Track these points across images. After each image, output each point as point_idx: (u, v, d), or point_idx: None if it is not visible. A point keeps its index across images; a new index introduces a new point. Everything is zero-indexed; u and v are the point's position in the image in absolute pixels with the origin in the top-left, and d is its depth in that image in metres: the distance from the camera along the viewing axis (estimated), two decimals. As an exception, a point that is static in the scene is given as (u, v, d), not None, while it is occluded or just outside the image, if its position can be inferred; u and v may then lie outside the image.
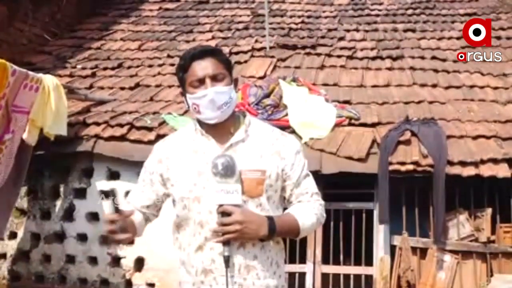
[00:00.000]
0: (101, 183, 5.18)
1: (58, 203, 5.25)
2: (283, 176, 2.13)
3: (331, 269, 5.13)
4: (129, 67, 6.73)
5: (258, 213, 2.04)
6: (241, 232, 1.98)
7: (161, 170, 2.16)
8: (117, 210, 2.01)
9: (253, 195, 2.04)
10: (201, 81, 2.07)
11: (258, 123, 2.24)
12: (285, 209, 2.20)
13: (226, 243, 1.99)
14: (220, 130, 2.12)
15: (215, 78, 2.08)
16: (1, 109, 3.93)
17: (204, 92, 2.06)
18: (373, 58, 6.74)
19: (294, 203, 2.17)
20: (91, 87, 6.19)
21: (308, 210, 2.15)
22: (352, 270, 5.15)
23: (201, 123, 2.15)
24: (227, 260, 1.99)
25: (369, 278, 5.09)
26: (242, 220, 1.97)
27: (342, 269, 5.11)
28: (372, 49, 6.98)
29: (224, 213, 1.98)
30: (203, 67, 2.08)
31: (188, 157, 2.12)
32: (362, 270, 5.12)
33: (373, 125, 5.28)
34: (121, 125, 5.17)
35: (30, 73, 4.38)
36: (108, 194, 1.84)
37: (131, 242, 5.06)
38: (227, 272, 2.00)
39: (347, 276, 5.07)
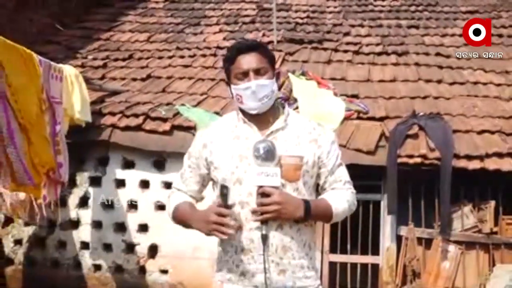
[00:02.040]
0: (116, 172, 5.33)
1: (74, 191, 5.37)
2: (319, 164, 2.27)
3: (338, 258, 5.29)
4: (139, 59, 6.84)
5: (295, 196, 2.18)
6: (279, 212, 2.11)
7: (205, 154, 2.30)
8: (226, 204, 2.11)
9: (291, 179, 2.18)
10: (245, 74, 2.21)
11: (295, 114, 2.39)
12: (318, 195, 2.34)
13: (264, 222, 2.13)
14: (261, 119, 2.26)
15: (258, 72, 2.21)
16: (46, 101, 4.03)
17: (247, 85, 2.20)
18: (379, 54, 6.89)
19: (328, 190, 2.31)
20: (103, 77, 6.30)
21: (341, 197, 2.28)
22: (359, 259, 5.31)
23: (243, 112, 2.29)
24: (265, 238, 2.13)
25: (375, 267, 5.26)
26: (280, 201, 2.11)
27: (349, 258, 5.27)
28: (377, 44, 7.14)
29: (264, 194, 2.11)
30: (248, 61, 2.21)
31: (231, 143, 2.26)
32: (368, 259, 5.29)
33: (381, 119, 5.43)
34: (137, 116, 5.30)
35: (52, 63, 4.48)
36: (223, 188, 1.99)
37: (145, 229, 5.26)
38: (265, 250, 2.13)
39: (354, 265, 5.24)
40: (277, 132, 2.25)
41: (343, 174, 2.33)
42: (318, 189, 2.35)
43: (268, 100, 2.23)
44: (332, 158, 2.29)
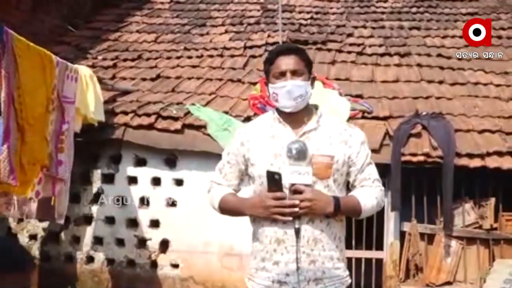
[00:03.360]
0: (128, 169, 5.49)
1: (87, 187, 5.54)
2: (349, 163, 2.44)
3: (343, 253, 5.45)
4: (148, 59, 6.99)
5: (325, 193, 2.36)
6: (310, 208, 2.30)
7: (243, 152, 2.50)
8: (280, 189, 2.30)
9: (322, 177, 2.37)
10: (283, 74, 2.41)
11: (328, 116, 2.56)
12: (349, 192, 2.52)
13: (297, 217, 2.31)
14: (295, 119, 2.45)
15: (295, 73, 2.41)
16: (55, 101, 4.18)
17: (283, 84, 2.40)
18: (382, 55, 7.05)
19: (358, 187, 2.48)
20: (113, 77, 6.45)
21: (370, 194, 2.45)
22: (364, 254, 5.47)
23: (279, 112, 2.49)
24: (297, 232, 2.32)
25: (379, 261, 5.43)
26: (312, 198, 2.30)
27: (354, 253, 5.40)
28: (380, 45, 7.30)
29: (296, 191, 2.30)
30: (286, 62, 2.41)
31: (267, 141, 2.45)
32: (373, 254, 5.45)
33: (385, 118, 5.60)
34: (148, 115, 5.46)
35: (69, 64, 4.64)
36: (274, 175, 2.21)
37: (156, 225, 5.42)
38: (298, 242, 2.32)
39: (358, 260, 5.39)
40: (310, 133, 2.44)
41: (372, 172, 2.50)
42: (348, 186, 2.53)
43: (302, 100, 2.42)
44: (361, 158, 2.46)
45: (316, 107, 2.53)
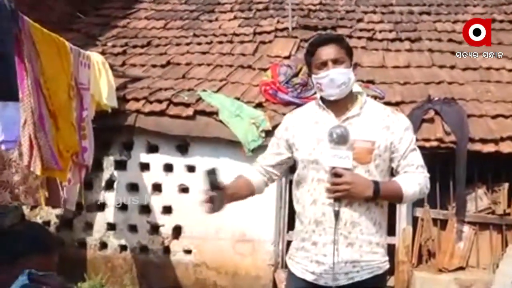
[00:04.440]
0: (141, 156, 5.50)
1: (100, 174, 5.55)
2: (391, 149, 2.45)
3: (356, 238, 5.46)
4: (157, 46, 6.97)
5: (366, 177, 2.38)
6: (349, 191, 2.33)
7: (287, 136, 2.57)
8: (213, 185, 2.36)
9: (362, 162, 2.40)
10: (324, 64, 2.44)
11: (372, 102, 2.60)
12: (393, 176, 2.53)
13: (336, 199, 2.35)
14: (339, 106, 2.49)
15: (336, 61, 2.44)
16: (74, 87, 4.18)
17: (326, 73, 2.43)
18: (392, 40, 7.01)
19: (401, 173, 2.49)
20: (123, 64, 6.44)
21: (413, 180, 2.45)
22: (376, 239, 5.48)
23: (323, 99, 2.53)
24: (336, 214, 2.36)
25: (391, 247, 5.42)
26: (351, 181, 2.33)
27: (366, 239, 5.46)
28: (390, 31, 7.25)
29: (336, 175, 2.34)
30: (327, 52, 2.44)
31: (310, 127, 2.50)
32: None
33: (397, 104, 5.57)
34: (160, 101, 5.45)
35: (81, 50, 4.63)
36: (210, 172, 2.25)
37: (169, 211, 5.44)
38: (336, 224, 2.36)
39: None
40: (353, 118, 2.47)
41: (416, 158, 2.50)
42: (392, 172, 2.54)
43: (345, 88, 2.45)
44: (404, 144, 2.47)
45: (360, 93, 2.57)
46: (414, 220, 5.34)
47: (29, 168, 3.70)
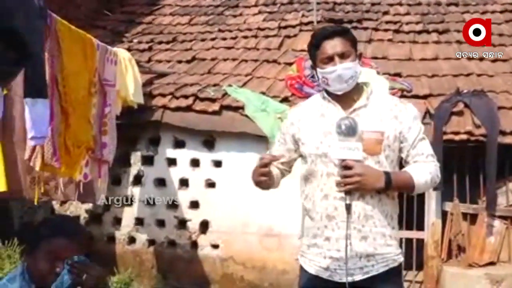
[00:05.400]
0: (167, 151, 5.54)
1: (128, 169, 5.61)
2: (400, 138, 2.42)
3: (383, 233, 5.41)
4: (182, 41, 6.99)
5: (376, 168, 2.34)
6: (360, 183, 2.29)
7: (293, 131, 2.53)
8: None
9: (372, 153, 2.36)
10: (331, 58, 2.39)
11: (379, 92, 2.56)
12: (402, 167, 2.49)
13: (347, 192, 2.32)
14: (345, 98, 2.45)
15: (342, 56, 2.39)
16: (97, 84, 4.22)
17: (333, 68, 2.38)
18: (419, 32, 6.90)
19: (411, 163, 2.45)
20: (149, 60, 6.48)
21: (423, 169, 2.42)
22: (404, 234, 5.40)
23: (328, 92, 2.48)
24: (348, 208, 2.32)
25: (420, 242, 5.38)
26: (361, 173, 2.29)
27: (394, 233, 5.40)
28: (417, 23, 7.14)
29: (346, 167, 2.30)
30: (332, 45, 2.39)
31: (317, 120, 2.46)
32: (413, 234, 5.39)
33: (425, 96, 5.49)
34: (186, 97, 5.48)
35: (109, 47, 4.68)
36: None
37: (196, 206, 5.46)
38: (348, 218, 2.32)
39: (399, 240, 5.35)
40: (360, 109, 2.43)
41: (426, 148, 2.47)
42: (402, 163, 2.50)
43: (353, 81, 2.42)
44: (413, 133, 2.44)
45: (366, 84, 2.51)
46: (444, 215, 5.26)
47: (29, 162, 3.74)
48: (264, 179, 2.38)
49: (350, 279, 2.38)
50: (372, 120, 2.40)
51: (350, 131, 2.28)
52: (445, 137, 5.03)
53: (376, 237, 2.38)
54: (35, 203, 4.03)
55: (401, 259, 2.49)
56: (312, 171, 2.44)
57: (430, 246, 5.26)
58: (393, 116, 2.42)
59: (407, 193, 2.61)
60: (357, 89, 2.47)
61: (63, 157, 3.90)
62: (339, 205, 2.35)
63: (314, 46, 2.44)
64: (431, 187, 2.55)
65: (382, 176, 2.32)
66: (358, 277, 2.39)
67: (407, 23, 7.14)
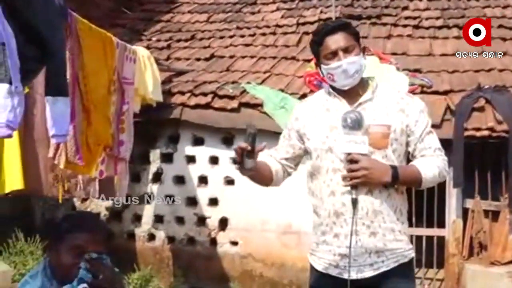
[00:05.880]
0: (186, 149, 5.57)
1: (147, 167, 5.65)
2: (407, 132, 2.39)
3: (403, 230, 5.37)
4: (201, 39, 7.01)
5: (383, 162, 2.32)
6: (366, 177, 2.27)
7: (297, 127, 2.51)
8: (252, 146, 2.25)
9: (379, 147, 2.34)
10: (334, 54, 2.36)
11: (384, 86, 2.52)
12: (409, 161, 2.47)
13: (354, 187, 2.29)
14: (350, 92, 2.42)
15: (346, 50, 2.36)
16: (116, 82, 4.25)
17: (338, 64, 2.35)
18: (440, 27, 6.82)
19: (418, 157, 2.42)
20: (168, 58, 6.51)
21: (431, 163, 2.39)
22: (425, 232, 5.37)
23: (333, 87, 2.45)
24: (354, 202, 2.30)
25: (441, 239, 5.33)
26: (368, 167, 2.27)
27: (414, 231, 5.30)
28: (437, 18, 7.06)
29: (352, 161, 2.28)
30: (335, 40, 2.37)
31: (322, 115, 2.45)
32: (434, 232, 5.35)
33: (445, 92, 5.43)
34: (205, 94, 5.49)
35: (128, 45, 4.70)
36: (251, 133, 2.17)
37: (215, 203, 5.47)
38: (355, 213, 2.30)
39: (419, 238, 5.30)
40: (365, 103, 2.40)
41: (433, 141, 2.44)
42: (409, 157, 2.48)
43: (358, 76, 2.39)
44: (420, 126, 2.41)
45: (371, 78, 2.49)
46: (465, 212, 5.20)
47: (53, 160, 3.77)
48: (248, 173, 2.33)
49: (360, 275, 2.35)
50: (378, 114, 2.37)
51: (355, 124, 2.27)
52: (466, 133, 4.96)
53: (386, 233, 2.36)
54: (59, 200, 4.06)
55: (412, 254, 2.46)
56: (318, 166, 2.42)
57: (451, 243, 5.21)
58: (399, 110, 2.40)
59: (414, 187, 2.58)
60: (362, 84, 2.44)
61: (85, 154, 3.93)
62: (347, 201, 2.32)
63: (317, 43, 2.42)
64: (439, 182, 2.51)
65: (389, 170, 2.29)
66: (368, 274, 2.37)
67: (426, 18, 7.07)
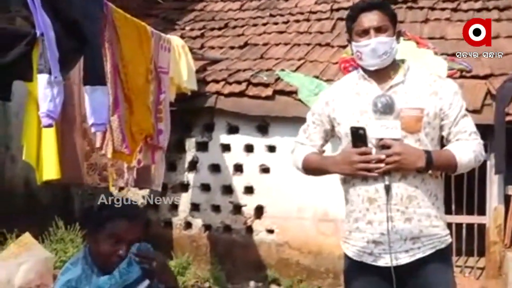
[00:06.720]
0: (221, 137, 5.58)
1: (183, 155, 5.69)
2: (441, 115, 2.32)
3: (443, 218, 5.28)
4: (234, 27, 6.99)
5: (416, 147, 2.25)
6: (399, 162, 2.20)
7: (328, 111, 2.44)
8: (365, 145, 2.23)
9: (412, 131, 2.26)
10: (366, 32, 2.30)
11: (416, 68, 2.43)
12: (443, 146, 2.39)
13: (386, 173, 2.22)
14: (381, 75, 2.35)
15: (379, 30, 2.29)
16: (153, 71, 4.27)
17: (367, 42, 2.29)
18: (479, 10, 6.62)
19: (453, 141, 2.34)
20: (202, 47, 6.52)
21: (466, 147, 2.30)
22: (465, 219, 5.26)
23: (364, 69, 2.39)
24: (387, 188, 2.24)
25: (482, 227, 5.21)
26: (400, 152, 2.19)
27: (454, 218, 5.19)
28: (476, 0, 6.86)
29: (384, 146, 2.22)
30: (369, 19, 2.30)
31: (352, 99, 2.38)
32: (474, 219, 5.23)
33: (485, 77, 5.28)
34: (239, 82, 5.48)
35: (162, 34, 4.71)
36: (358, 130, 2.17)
37: (250, 191, 5.46)
38: (388, 199, 2.24)
39: (459, 225, 5.19)
40: (397, 86, 2.34)
41: (468, 125, 2.35)
42: (443, 141, 2.41)
43: (387, 57, 2.31)
44: (455, 109, 2.32)
45: (403, 61, 2.41)
46: (506, 199, 5.06)
47: (100, 151, 3.81)
48: (369, 174, 2.26)
49: (395, 262, 2.29)
50: (410, 97, 2.30)
51: (386, 109, 2.21)
52: (507, 118, 4.82)
53: (421, 218, 2.29)
54: (109, 189, 4.12)
55: (448, 240, 2.39)
56: None
57: (492, 231, 5.09)
58: (432, 92, 2.32)
59: (449, 173, 2.49)
60: (393, 66, 2.36)
61: (130, 143, 3.99)
62: (380, 187, 2.26)
63: (351, 19, 2.36)
64: (475, 166, 2.41)
65: (422, 155, 2.21)
66: (404, 261, 2.31)
67: (465, 1, 6.86)
